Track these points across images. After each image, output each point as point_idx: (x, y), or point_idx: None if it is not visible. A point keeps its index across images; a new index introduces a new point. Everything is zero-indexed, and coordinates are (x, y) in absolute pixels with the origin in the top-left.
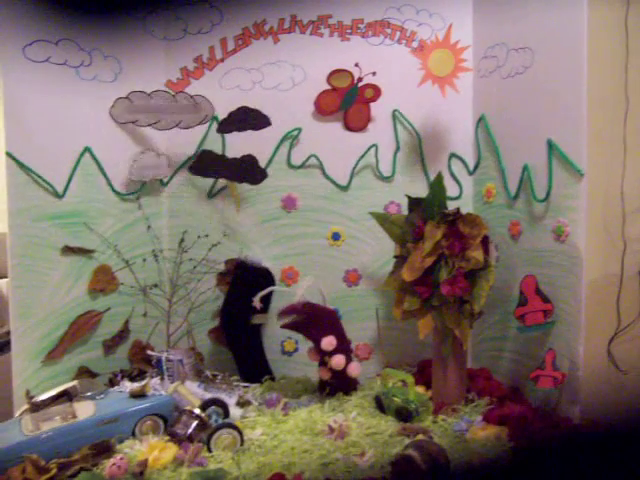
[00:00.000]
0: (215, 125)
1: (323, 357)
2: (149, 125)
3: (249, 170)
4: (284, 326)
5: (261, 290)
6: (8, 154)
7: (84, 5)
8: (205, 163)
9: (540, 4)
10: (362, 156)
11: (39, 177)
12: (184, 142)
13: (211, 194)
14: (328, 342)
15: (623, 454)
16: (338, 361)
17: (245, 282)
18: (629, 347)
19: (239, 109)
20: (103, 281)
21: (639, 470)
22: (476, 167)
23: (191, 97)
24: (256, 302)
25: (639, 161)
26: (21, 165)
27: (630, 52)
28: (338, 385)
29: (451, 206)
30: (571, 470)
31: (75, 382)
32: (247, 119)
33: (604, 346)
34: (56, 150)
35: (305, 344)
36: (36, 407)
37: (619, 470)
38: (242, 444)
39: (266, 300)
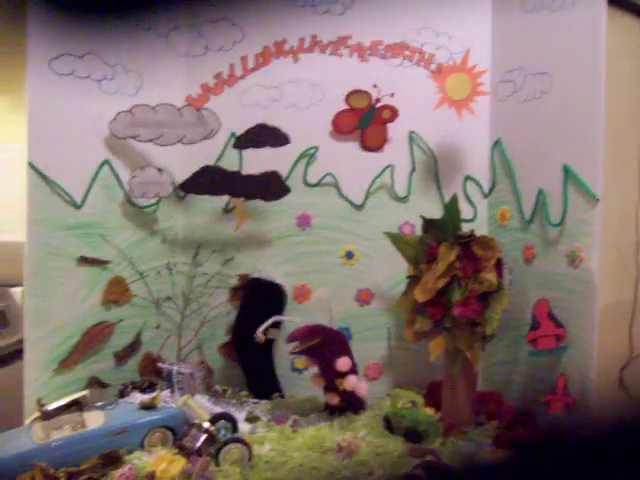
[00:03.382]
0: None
1: (334, 380)
2: (150, 140)
3: (266, 186)
4: (295, 353)
5: (273, 307)
6: (30, 164)
7: (110, 20)
8: (208, 179)
9: (559, 29)
10: (378, 176)
11: (59, 187)
12: (202, 157)
13: (227, 209)
14: (344, 363)
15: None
16: (351, 381)
17: (257, 299)
18: None
19: (257, 126)
20: (117, 292)
21: None
22: (491, 190)
23: (197, 110)
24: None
25: None
26: (42, 176)
27: None
28: (347, 407)
29: (465, 228)
30: None
31: (86, 392)
32: (265, 136)
33: (616, 372)
34: (76, 161)
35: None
36: (46, 415)
37: None
38: (250, 459)
39: (278, 314)
